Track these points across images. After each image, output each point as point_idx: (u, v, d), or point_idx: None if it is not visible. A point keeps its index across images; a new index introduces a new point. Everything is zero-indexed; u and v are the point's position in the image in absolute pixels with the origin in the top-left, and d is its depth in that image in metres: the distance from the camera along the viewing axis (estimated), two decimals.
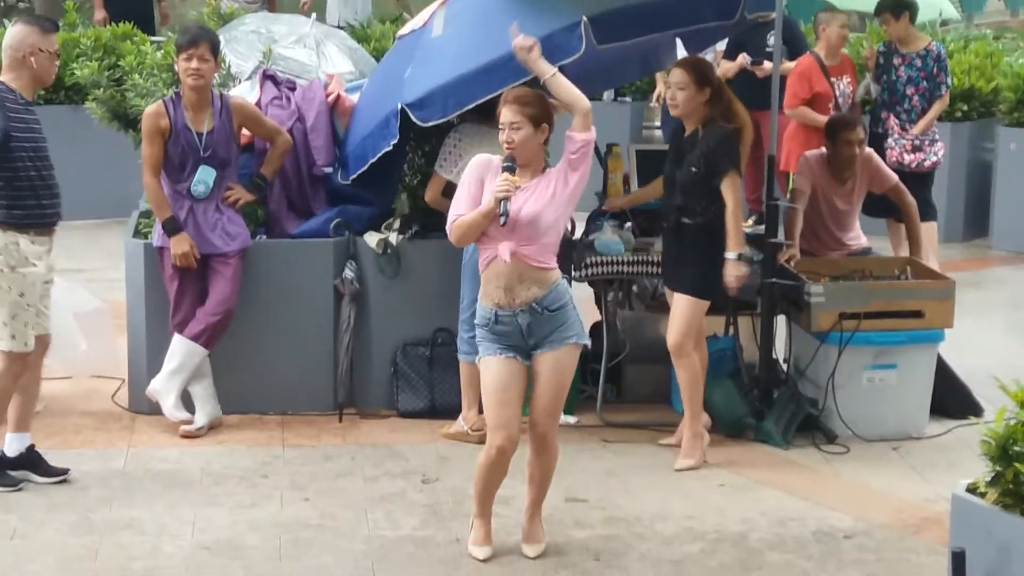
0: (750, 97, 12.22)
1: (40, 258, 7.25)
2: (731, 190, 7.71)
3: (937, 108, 11.08)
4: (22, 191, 7.18)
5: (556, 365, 6.53)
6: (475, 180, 6.55)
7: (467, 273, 8.01)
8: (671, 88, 7.79)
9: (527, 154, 6.49)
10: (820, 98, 11.02)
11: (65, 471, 7.45)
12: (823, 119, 10.44)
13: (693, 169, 7.75)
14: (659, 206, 8.22)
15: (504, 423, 6.50)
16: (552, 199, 6.47)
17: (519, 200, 6.43)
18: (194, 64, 8.04)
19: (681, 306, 7.81)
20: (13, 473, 7.36)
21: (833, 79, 11.05)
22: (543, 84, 6.66)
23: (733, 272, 7.77)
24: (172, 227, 8.10)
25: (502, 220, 6.36)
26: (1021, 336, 10.36)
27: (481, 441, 7.69)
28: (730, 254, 7.78)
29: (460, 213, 6.51)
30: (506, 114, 6.49)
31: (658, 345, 8.02)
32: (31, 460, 7.41)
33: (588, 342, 6.71)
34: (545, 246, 6.50)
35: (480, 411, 7.94)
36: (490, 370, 6.55)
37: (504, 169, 6.43)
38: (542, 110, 6.50)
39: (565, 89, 6.57)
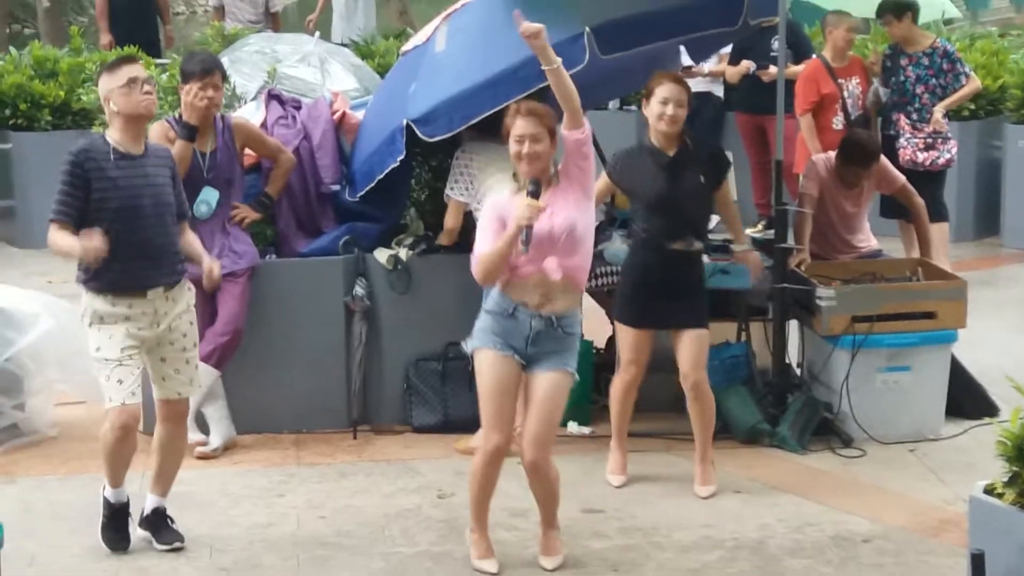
0: (756, 102, 12.37)
1: (117, 321, 6.76)
2: (729, 192, 7.86)
3: (968, 91, 11.12)
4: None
5: (551, 387, 6.43)
6: (495, 219, 6.40)
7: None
8: (668, 104, 7.42)
9: (544, 168, 6.40)
10: (828, 100, 11.00)
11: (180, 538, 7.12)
12: (816, 145, 10.52)
13: (702, 179, 7.57)
14: None
15: (501, 422, 6.43)
16: (578, 204, 6.39)
17: (545, 218, 6.31)
18: (210, 92, 8.03)
19: (701, 341, 7.59)
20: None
21: (841, 80, 11.03)
22: (544, 72, 6.38)
23: (757, 258, 8.01)
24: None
25: (524, 249, 6.28)
26: None
27: None
28: (743, 246, 7.98)
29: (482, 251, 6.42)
30: (525, 126, 6.34)
31: (671, 354, 7.98)
32: (154, 523, 7.13)
33: (578, 378, 6.64)
34: (584, 259, 6.43)
35: None
36: (487, 364, 6.45)
37: (529, 194, 6.30)
38: (553, 122, 6.42)
39: (566, 82, 6.38)
